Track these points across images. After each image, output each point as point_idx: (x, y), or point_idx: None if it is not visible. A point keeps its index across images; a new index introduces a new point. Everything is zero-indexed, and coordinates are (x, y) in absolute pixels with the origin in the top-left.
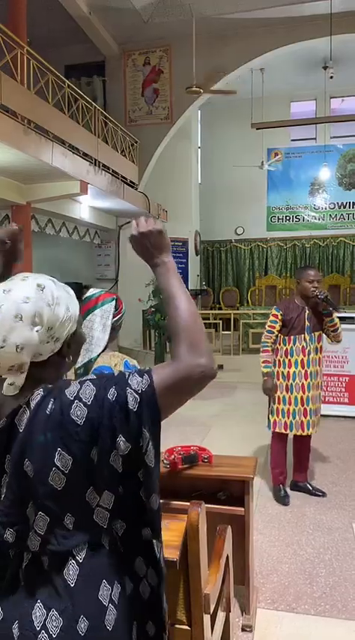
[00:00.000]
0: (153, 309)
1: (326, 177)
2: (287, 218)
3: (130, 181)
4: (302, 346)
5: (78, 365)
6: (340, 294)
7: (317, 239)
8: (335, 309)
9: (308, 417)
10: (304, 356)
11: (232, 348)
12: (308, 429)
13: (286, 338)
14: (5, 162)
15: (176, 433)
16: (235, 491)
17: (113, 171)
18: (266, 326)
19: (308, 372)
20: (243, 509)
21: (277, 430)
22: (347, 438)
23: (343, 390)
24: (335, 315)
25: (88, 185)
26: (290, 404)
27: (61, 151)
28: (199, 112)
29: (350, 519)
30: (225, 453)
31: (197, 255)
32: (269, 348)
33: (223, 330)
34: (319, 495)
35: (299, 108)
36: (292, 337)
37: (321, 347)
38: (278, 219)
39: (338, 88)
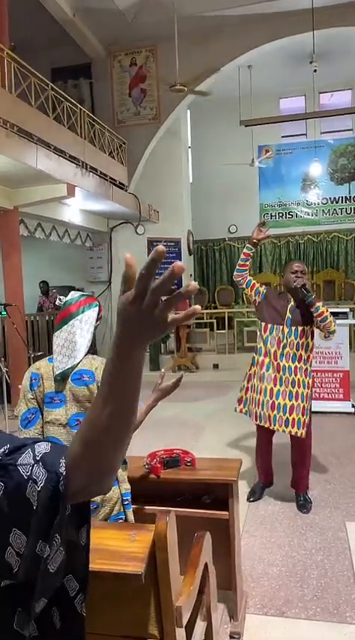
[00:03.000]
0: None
1: (318, 173)
2: (280, 215)
3: (119, 183)
4: (278, 338)
5: (58, 371)
6: (335, 289)
7: (311, 235)
8: (307, 295)
9: (275, 412)
10: (278, 348)
11: (227, 347)
12: (275, 425)
13: (263, 324)
14: None
15: (169, 435)
16: (220, 495)
17: (101, 173)
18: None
19: (281, 366)
20: (227, 512)
21: (251, 419)
22: (341, 435)
23: (337, 385)
24: (320, 304)
25: (76, 188)
26: (260, 393)
27: (46, 153)
28: (188, 111)
29: (343, 518)
30: (219, 453)
31: (190, 255)
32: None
33: (218, 329)
34: (303, 512)
35: (288, 104)
36: (269, 325)
37: (306, 344)
38: (271, 216)
39: (326, 83)
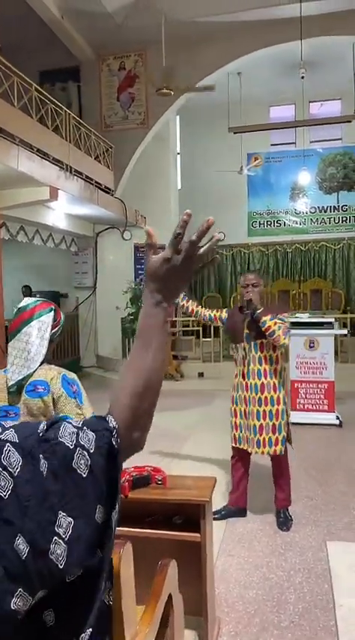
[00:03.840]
0: (131, 317)
1: (307, 182)
2: (269, 223)
3: (105, 187)
4: (242, 356)
5: (11, 382)
6: (322, 299)
7: (299, 244)
8: (251, 310)
9: (250, 434)
10: (243, 366)
11: (213, 355)
12: (250, 446)
13: (233, 346)
14: None
15: (148, 446)
16: (192, 515)
17: (86, 176)
18: None
19: (249, 385)
20: (199, 535)
21: (231, 443)
22: (325, 448)
23: (322, 396)
24: (267, 317)
25: (60, 191)
26: (236, 416)
27: (28, 155)
28: (177, 117)
29: (324, 537)
30: (199, 466)
31: None
32: (195, 305)
33: (204, 337)
34: (282, 530)
35: (278, 112)
36: (236, 345)
37: (269, 357)
38: (260, 224)
39: (316, 92)
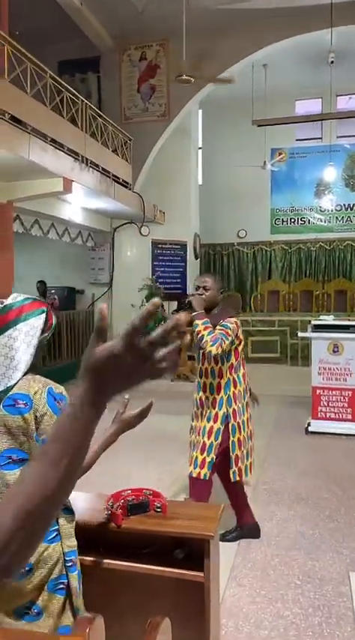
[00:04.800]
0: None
1: (332, 178)
2: (292, 220)
3: (123, 181)
4: (197, 366)
5: None
6: (346, 300)
7: (324, 242)
8: (185, 309)
9: (193, 452)
10: (198, 378)
11: None
12: (190, 466)
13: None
14: None
15: (157, 452)
16: (196, 549)
17: (103, 169)
18: None
19: (197, 398)
20: (201, 574)
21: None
22: (348, 461)
23: (345, 405)
24: (201, 321)
25: (75, 183)
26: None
27: (41, 145)
28: (200, 111)
29: (347, 567)
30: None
31: (196, 258)
32: None
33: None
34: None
35: (304, 107)
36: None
37: (211, 370)
38: (283, 221)
39: (344, 85)
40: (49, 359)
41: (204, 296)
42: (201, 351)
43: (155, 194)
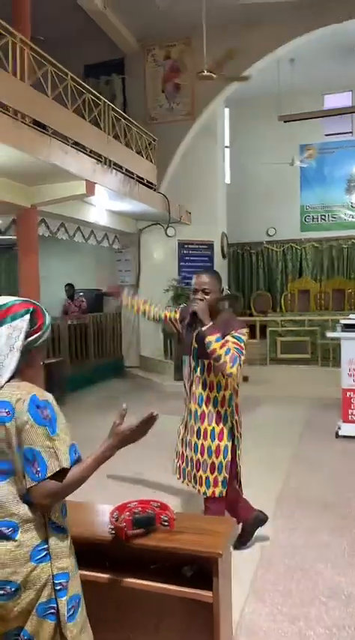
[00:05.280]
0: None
1: None
2: (323, 217)
3: (148, 182)
4: (188, 372)
5: None
6: None
7: None
8: (194, 326)
9: (180, 462)
10: (187, 383)
11: (259, 358)
12: (184, 479)
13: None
14: None
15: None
16: (206, 566)
17: (127, 170)
18: None
19: (188, 409)
20: (210, 593)
21: (173, 472)
22: None
23: None
24: (214, 337)
25: (98, 186)
26: (182, 446)
27: (62, 147)
28: (226, 110)
29: None
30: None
31: (224, 258)
32: (144, 303)
33: (249, 338)
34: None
35: (333, 101)
36: (184, 356)
37: (216, 383)
38: (313, 218)
39: None
40: (76, 361)
41: (204, 301)
42: (206, 361)
43: (181, 194)
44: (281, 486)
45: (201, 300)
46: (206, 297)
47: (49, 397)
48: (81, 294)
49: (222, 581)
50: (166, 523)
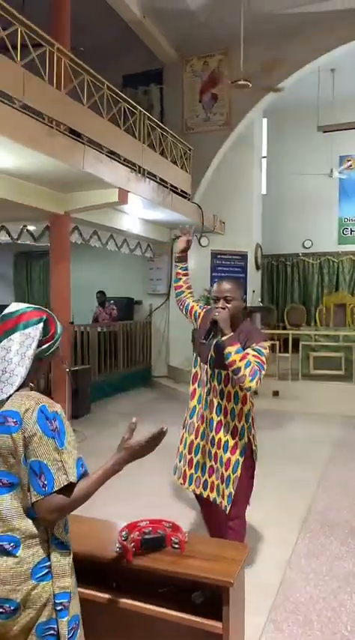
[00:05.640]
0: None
1: None
2: None
3: (182, 191)
4: (204, 380)
5: None
6: None
7: None
8: (214, 335)
9: (192, 470)
10: (202, 391)
11: (290, 373)
12: (190, 484)
13: (194, 355)
14: (31, 167)
15: None
16: (217, 593)
17: (160, 179)
18: None
19: (205, 416)
20: (220, 624)
21: (175, 478)
22: None
23: None
24: (234, 348)
25: (131, 194)
26: (190, 451)
27: (96, 155)
28: (265, 120)
29: None
30: (260, 505)
31: (258, 269)
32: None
33: (281, 352)
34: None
35: None
36: (195, 356)
37: (235, 394)
38: (352, 231)
39: None
40: (105, 368)
41: (226, 310)
42: (223, 372)
43: (215, 204)
44: (306, 509)
45: (222, 309)
46: (227, 305)
47: (58, 408)
48: (112, 302)
49: (234, 611)
50: (177, 545)
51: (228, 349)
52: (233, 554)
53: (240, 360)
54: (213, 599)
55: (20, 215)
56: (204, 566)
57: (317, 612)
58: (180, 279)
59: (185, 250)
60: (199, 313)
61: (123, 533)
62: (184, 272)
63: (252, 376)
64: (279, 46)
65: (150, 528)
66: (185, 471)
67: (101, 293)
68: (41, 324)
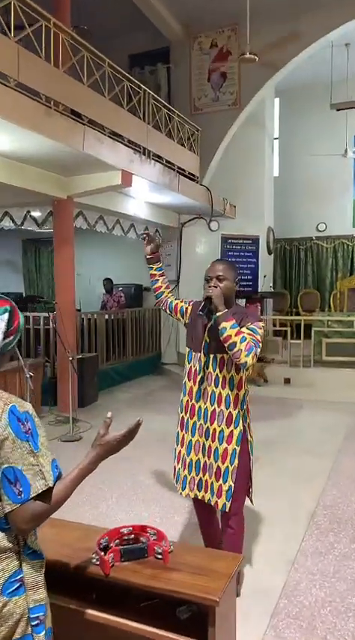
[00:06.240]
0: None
1: None
2: None
3: (189, 173)
4: (195, 369)
5: None
6: None
7: None
8: (208, 312)
9: (186, 471)
10: (193, 384)
11: (302, 360)
12: (184, 489)
13: (186, 349)
14: (29, 149)
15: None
16: (204, 608)
17: (167, 161)
18: None
19: (197, 408)
20: None
21: (174, 481)
22: None
23: None
24: (229, 323)
25: (135, 177)
26: (181, 444)
27: (96, 136)
28: (277, 100)
29: None
30: (266, 498)
31: (270, 254)
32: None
33: (292, 339)
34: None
35: None
36: (188, 351)
37: (230, 379)
38: None
39: None
40: (114, 357)
41: (218, 288)
42: (218, 355)
43: (226, 187)
44: (315, 503)
45: (214, 287)
46: (219, 284)
47: (29, 407)
48: (120, 288)
49: (221, 632)
50: (160, 556)
51: (223, 324)
52: (222, 566)
53: (236, 335)
54: (200, 615)
55: (23, 200)
56: (188, 581)
57: (321, 618)
58: (158, 280)
59: (154, 252)
60: (186, 308)
61: (103, 541)
62: (160, 272)
63: (248, 351)
64: (291, 20)
65: (133, 535)
66: (179, 472)
67: (108, 280)
68: (6, 315)
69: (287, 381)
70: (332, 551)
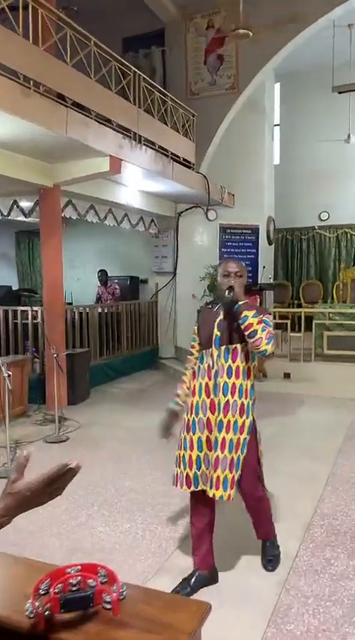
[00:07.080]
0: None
1: None
2: None
3: (184, 160)
4: (208, 365)
5: None
6: None
7: None
8: (231, 300)
9: (195, 468)
10: (209, 379)
11: (303, 354)
12: (197, 485)
13: (199, 355)
14: (7, 133)
15: None
16: None
17: (160, 147)
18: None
19: (216, 403)
20: None
21: (178, 487)
22: None
23: None
24: (251, 313)
25: (126, 163)
26: (191, 449)
27: (81, 119)
28: (277, 85)
29: None
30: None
31: (270, 244)
32: (186, 377)
33: (292, 332)
34: (268, 570)
35: None
36: (202, 353)
37: (243, 370)
38: None
39: None
40: (108, 352)
41: (237, 283)
42: (230, 346)
43: (224, 175)
44: (311, 512)
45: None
46: (238, 280)
47: None
48: (115, 280)
49: None
50: (108, 606)
51: (246, 313)
52: (182, 620)
53: (257, 324)
54: None
55: (7, 189)
56: (140, 637)
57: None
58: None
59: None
60: (197, 325)
61: (43, 585)
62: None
63: (268, 339)
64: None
65: (80, 578)
66: (187, 474)
67: (102, 272)
68: None
69: (286, 375)
70: (328, 569)
